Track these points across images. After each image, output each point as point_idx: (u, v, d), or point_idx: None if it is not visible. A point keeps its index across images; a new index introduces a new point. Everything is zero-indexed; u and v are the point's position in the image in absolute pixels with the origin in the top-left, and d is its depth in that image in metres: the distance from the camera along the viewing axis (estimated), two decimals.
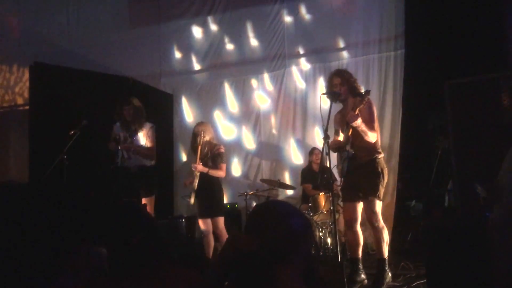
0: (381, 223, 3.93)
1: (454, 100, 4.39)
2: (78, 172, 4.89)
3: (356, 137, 3.87)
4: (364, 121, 3.82)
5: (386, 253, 3.96)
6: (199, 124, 5.02)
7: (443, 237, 3.60)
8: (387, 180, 5.72)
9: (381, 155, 4.01)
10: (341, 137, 4.07)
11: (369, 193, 3.87)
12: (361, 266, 4.03)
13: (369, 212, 3.90)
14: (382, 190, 3.93)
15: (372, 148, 3.93)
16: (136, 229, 1.70)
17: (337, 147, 4.04)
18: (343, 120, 4.04)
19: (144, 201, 4.77)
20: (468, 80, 4.43)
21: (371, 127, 3.88)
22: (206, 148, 4.83)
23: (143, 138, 4.89)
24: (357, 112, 3.76)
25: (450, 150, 4.49)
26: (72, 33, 7.24)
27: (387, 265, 3.96)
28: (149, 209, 4.73)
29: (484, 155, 4.06)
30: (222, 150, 4.88)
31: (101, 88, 5.82)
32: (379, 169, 3.92)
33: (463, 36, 5.26)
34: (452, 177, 4.67)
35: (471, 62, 5.04)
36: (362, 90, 4.12)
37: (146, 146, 4.89)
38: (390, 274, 3.96)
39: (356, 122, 3.74)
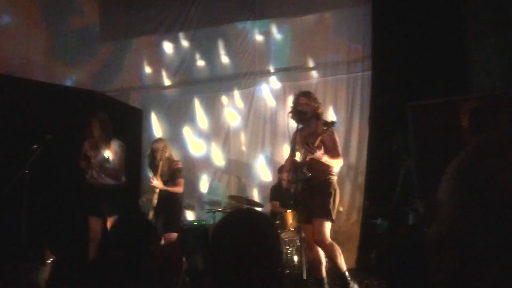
0: (329, 241, 3.95)
1: (417, 121, 4.52)
2: (41, 188, 4.76)
3: (315, 161, 3.92)
4: (328, 150, 3.87)
5: (344, 267, 3.96)
6: (158, 140, 5.07)
7: (406, 254, 3.66)
8: (354, 198, 5.86)
9: (335, 177, 4.06)
10: (297, 157, 4.11)
11: (319, 214, 3.90)
12: (326, 287, 4.03)
13: (317, 232, 3.91)
14: (333, 211, 3.97)
15: (327, 170, 3.99)
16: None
17: (294, 167, 4.06)
18: (302, 141, 4.10)
19: (108, 220, 4.67)
20: (429, 102, 4.58)
21: (335, 154, 3.93)
22: (166, 165, 4.86)
23: (111, 156, 4.80)
24: (317, 143, 3.78)
25: (413, 169, 4.60)
26: (40, 46, 7.12)
27: (349, 277, 3.98)
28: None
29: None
30: (180, 165, 4.99)
31: (68, 102, 5.70)
32: (331, 190, 3.97)
33: (428, 59, 5.45)
34: (414, 196, 4.78)
35: (434, 85, 5.21)
36: (324, 115, 4.21)
37: (114, 165, 4.80)
38: (356, 286, 3.98)
39: (316, 154, 3.77)
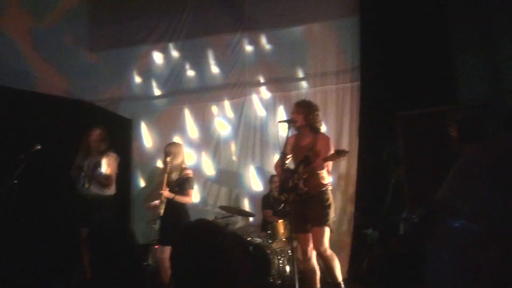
0: (329, 250, 3.98)
1: (406, 131, 4.58)
2: (30, 198, 4.71)
3: (311, 175, 3.95)
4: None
5: (340, 277, 4.00)
6: (171, 144, 4.82)
7: (397, 264, 3.68)
8: (345, 208, 5.89)
9: (330, 187, 4.13)
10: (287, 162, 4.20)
11: (319, 223, 3.93)
12: None
13: (318, 241, 3.94)
14: (331, 220, 4.02)
15: (322, 184, 4.04)
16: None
17: (285, 175, 4.08)
18: (297, 151, 4.14)
19: None
20: (419, 112, 4.65)
21: (328, 171, 4.07)
22: (175, 172, 4.64)
23: (105, 166, 4.77)
24: (325, 164, 3.87)
25: (403, 179, 4.65)
26: (30, 56, 7.07)
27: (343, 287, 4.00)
28: None
29: (434, 184, 4.22)
30: (191, 175, 4.70)
31: (58, 112, 5.66)
32: (330, 200, 4.03)
33: (415, 69, 5.54)
34: (405, 206, 4.82)
35: (422, 95, 5.29)
36: (321, 126, 4.26)
37: (106, 175, 4.78)
38: None
39: (321, 171, 3.89)
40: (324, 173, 3.93)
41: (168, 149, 4.66)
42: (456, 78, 5.52)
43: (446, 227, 0.58)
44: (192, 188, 4.69)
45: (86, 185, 4.71)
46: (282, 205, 3.95)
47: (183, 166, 4.75)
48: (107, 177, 4.78)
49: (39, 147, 4.61)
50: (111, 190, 4.90)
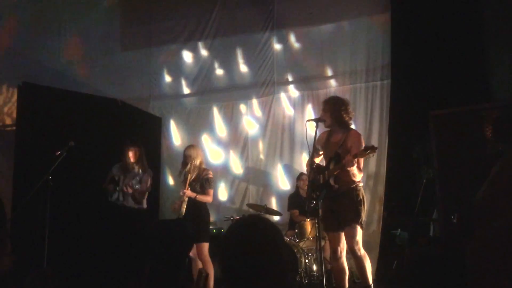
0: (362, 250, 3.93)
1: (438, 130, 4.48)
2: (63, 194, 4.85)
3: (342, 172, 3.90)
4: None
5: (370, 279, 3.96)
6: (190, 147, 4.97)
7: (428, 265, 3.62)
8: (374, 208, 5.81)
9: (361, 184, 4.05)
10: (318, 160, 4.23)
11: (351, 221, 3.88)
12: None
13: (351, 240, 3.89)
14: (363, 218, 3.96)
15: (353, 180, 3.97)
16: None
17: (315, 171, 4.04)
18: (329, 147, 4.10)
19: None
20: (451, 111, 4.54)
21: (359, 168, 3.94)
22: (196, 173, 4.80)
23: (139, 184, 4.95)
24: (355, 160, 3.77)
25: (434, 179, 4.54)
26: (63, 55, 7.28)
27: None
28: None
29: (468, 184, 4.12)
30: (211, 175, 4.88)
31: (90, 109, 5.81)
32: (360, 197, 3.95)
33: (448, 68, 5.41)
34: (436, 206, 4.71)
35: (455, 94, 5.16)
36: (351, 120, 4.18)
37: (140, 190, 4.96)
38: None
39: (352, 168, 3.78)
40: (354, 169, 3.83)
41: (188, 152, 4.83)
42: (490, 76, 5.36)
43: (487, 227, 0.57)
44: (212, 188, 4.85)
45: (120, 198, 4.94)
46: (314, 202, 3.90)
47: (203, 166, 4.93)
48: (142, 195, 4.96)
49: (72, 143, 4.76)
50: (144, 204, 5.11)
